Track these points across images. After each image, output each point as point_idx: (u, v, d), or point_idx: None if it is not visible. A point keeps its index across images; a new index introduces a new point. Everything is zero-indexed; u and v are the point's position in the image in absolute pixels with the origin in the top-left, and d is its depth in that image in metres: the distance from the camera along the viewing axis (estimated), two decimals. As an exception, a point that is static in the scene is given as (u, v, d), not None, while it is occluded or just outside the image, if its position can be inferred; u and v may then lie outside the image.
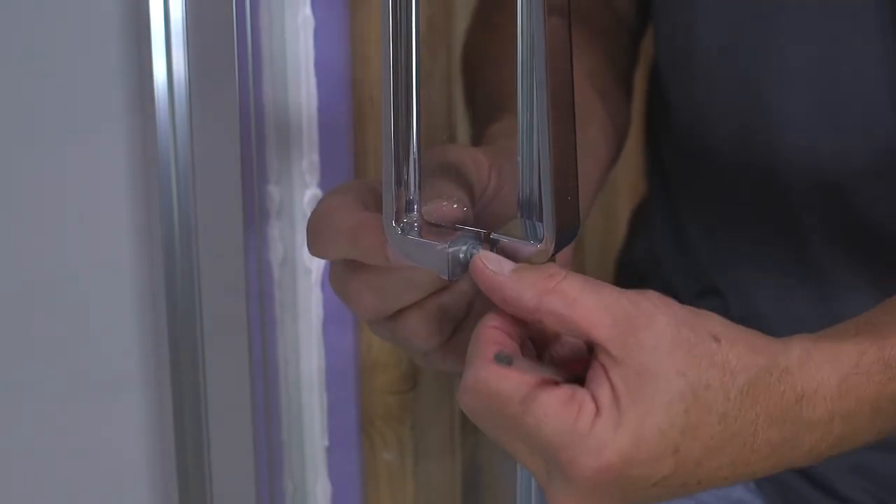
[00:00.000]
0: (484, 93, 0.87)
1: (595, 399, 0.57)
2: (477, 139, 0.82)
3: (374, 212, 0.64)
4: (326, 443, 0.96)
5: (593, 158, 0.79)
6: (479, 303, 0.64)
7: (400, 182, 0.62)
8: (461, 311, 0.65)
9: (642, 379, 0.56)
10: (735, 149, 0.87)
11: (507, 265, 0.60)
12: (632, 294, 0.58)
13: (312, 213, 0.65)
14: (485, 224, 0.63)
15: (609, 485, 0.57)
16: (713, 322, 0.58)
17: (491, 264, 0.59)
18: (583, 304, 0.57)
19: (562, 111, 0.59)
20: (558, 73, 0.59)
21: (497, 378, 0.57)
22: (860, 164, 0.81)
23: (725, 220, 0.82)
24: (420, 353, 0.67)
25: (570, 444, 0.56)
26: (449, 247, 0.61)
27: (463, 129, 1.08)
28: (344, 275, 0.65)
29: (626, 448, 0.56)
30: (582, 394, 0.57)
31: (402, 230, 0.62)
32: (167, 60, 0.76)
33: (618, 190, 1.44)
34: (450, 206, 0.63)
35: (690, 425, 0.57)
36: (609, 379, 0.57)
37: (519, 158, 0.61)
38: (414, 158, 0.62)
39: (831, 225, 0.84)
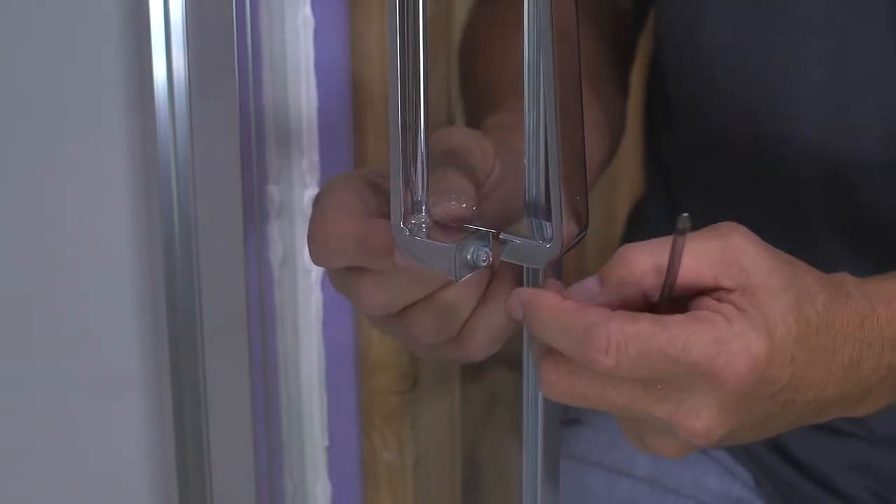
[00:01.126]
0: (479, 87, 0.87)
1: (722, 313, 0.59)
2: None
3: (374, 208, 0.64)
4: (326, 443, 0.96)
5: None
6: (493, 292, 0.64)
7: (408, 183, 0.62)
8: (471, 304, 0.65)
9: (756, 295, 0.59)
10: (741, 144, 0.86)
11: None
12: (709, 231, 0.61)
13: (313, 222, 0.65)
14: (489, 211, 0.64)
15: (749, 392, 0.59)
16: (779, 250, 0.62)
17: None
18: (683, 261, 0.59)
19: (570, 112, 0.59)
20: (566, 72, 0.59)
21: (634, 324, 0.58)
22: (870, 157, 0.81)
23: (726, 217, 0.81)
24: (423, 346, 0.67)
25: (719, 352, 0.58)
26: (456, 248, 0.61)
27: (463, 128, 1.08)
28: (347, 273, 0.65)
29: (766, 346, 0.59)
30: (706, 313, 0.59)
31: (411, 231, 0.62)
32: (167, 60, 0.76)
33: (617, 188, 1.45)
34: (458, 205, 0.63)
35: (801, 334, 0.60)
36: (729, 300, 0.59)
37: (525, 159, 0.61)
38: (421, 160, 0.62)
39: (838, 219, 0.84)
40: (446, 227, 0.63)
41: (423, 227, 0.63)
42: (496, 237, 0.62)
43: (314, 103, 0.89)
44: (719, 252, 0.60)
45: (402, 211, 0.62)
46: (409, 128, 0.62)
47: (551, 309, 0.60)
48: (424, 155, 0.63)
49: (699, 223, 0.58)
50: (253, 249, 0.90)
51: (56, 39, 0.79)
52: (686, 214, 0.58)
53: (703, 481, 0.97)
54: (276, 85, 0.88)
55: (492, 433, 1.34)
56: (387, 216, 0.63)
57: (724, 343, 0.58)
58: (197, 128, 0.77)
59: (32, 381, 0.83)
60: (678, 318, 0.58)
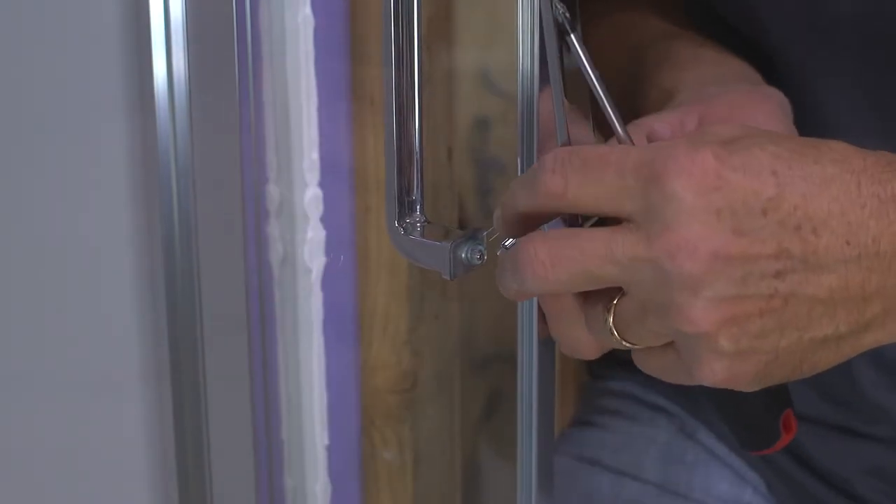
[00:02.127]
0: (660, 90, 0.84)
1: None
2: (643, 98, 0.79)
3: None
4: (326, 442, 0.96)
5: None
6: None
7: (402, 182, 0.62)
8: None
9: (721, 137, 0.58)
10: None
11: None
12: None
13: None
14: None
15: (715, 195, 0.55)
16: None
17: None
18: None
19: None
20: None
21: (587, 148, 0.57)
22: None
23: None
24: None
25: (657, 151, 0.56)
26: (451, 247, 0.61)
27: (463, 129, 1.08)
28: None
29: (718, 149, 0.56)
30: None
31: (405, 231, 0.62)
32: (167, 60, 0.76)
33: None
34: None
35: (783, 156, 0.56)
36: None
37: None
38: (416, 159, 0.63)
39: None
40: (441, 226, 0.63)
41: (417, 227, 0.63)
42: (490, 236, 0.62)
43: (314, 103, 0.89)
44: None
45: (397, 210, 0.62)
46: (404, 129, 0.62)
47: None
48: (419, 155, 0.63)
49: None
50: (253, 249, 0.90)
51: (56, 39, 0.79)
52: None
53: (712, 486, 0.97)
54: (276, 85, 0.88)
55: (492, 433, 1.34)
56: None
57: (665, 146, 0.56)
58: (197, 128, 0.77)
59: (32, 380, 0.83)
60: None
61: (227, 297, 0.86)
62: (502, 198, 0.59)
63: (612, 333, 0.59)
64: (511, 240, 0.60)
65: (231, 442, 0.87)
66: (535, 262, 0.57)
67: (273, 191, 0.90)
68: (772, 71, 0.79)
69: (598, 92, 0.59)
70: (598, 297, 0.60)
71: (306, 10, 0.87)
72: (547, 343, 0.64)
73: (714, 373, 0.58)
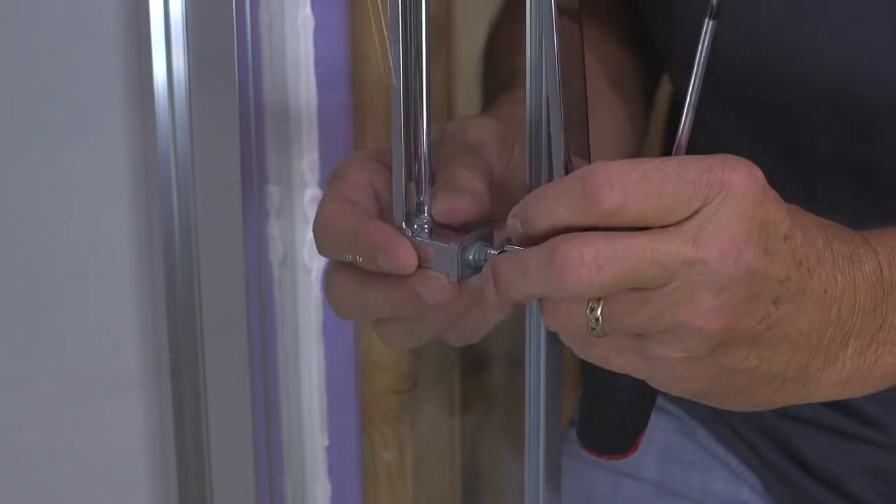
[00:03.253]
0: (497, 75, 0.87)
1: None
2: (484, 109, 0.81)
3: (384, 194, 0.64)
4: (326, 442, 0.96)
5: (604, 147, 0.80)
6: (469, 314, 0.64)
7: (410, 184, 0.62)
8: (441, 324, 0.65)
9: None
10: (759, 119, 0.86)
11: None
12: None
13: (319, 210, 0.65)
14: (502, 199, 0.63)
15: (761, 209, 0.57)
16: None
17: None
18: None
19: (573, 100, 0.60)
20: (570, 75, 0.59)
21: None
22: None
23: None
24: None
25: (713, 164, 0.57)
26: (459, 248, 0.61)
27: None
28: (336, 275, 0.65)
29: (761, 175, 0.58)
30: None
31: (413, 233, 0.62)
32: (167, 60, 0.76)
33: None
34: (466, 206, 0.63)
35: (791, 208, 0.60)
36: None
37: (527, 154, 0.62)
38: (424, 160, 0.63)
39: (853, 192, 0.83)
40: (448, 227, 0.63)
41: (425, 228, 0.63)
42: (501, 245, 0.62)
43: (314, 103, 0.89)
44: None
45: (405, 212, 0.62)
46: (412, 129, 0.62)
47: (540, 190, 0.58)
48: (427, 156, 0.63)
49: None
50: (253, 249, 0.90)
51: (56, 39, 0.79)
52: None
53: (710, 485, 0.97)
54: (276, 85, 0.88)
55: (492, 433, 1.34)
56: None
57: (719, 157, 0.57)
58: (197, 128, 0.77)
59: (32, 380, 0.83)
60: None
61: (227, 297, 0.86)
62: (526, 210, 0.58)
63: (596, 321, 0.59)
64: (510, 246, 0.60)
65: (231, 442, 0.87)
66: (580, 265, 0.56)
67: (273, 191, 0.90)
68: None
69: (694, 85, 0.59)
70: None
71: (306, 10, 0.87)
72: (555, 339, 0.64)
73: (678, 364, 0.59)
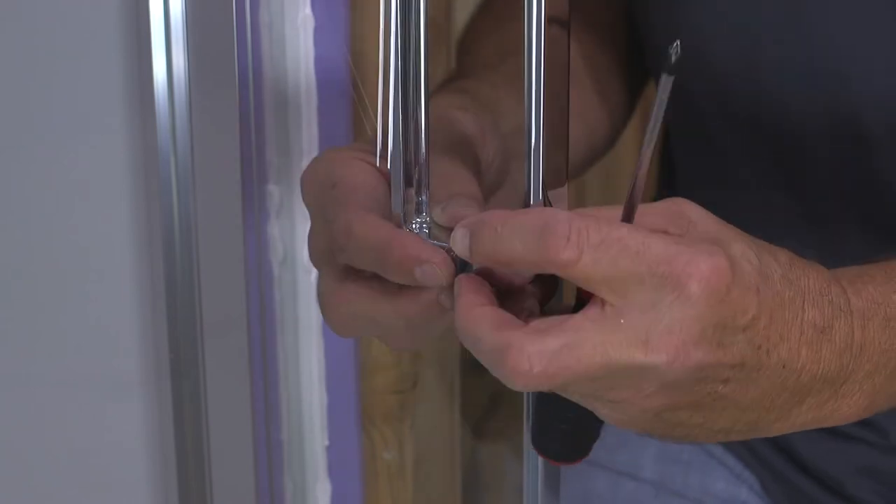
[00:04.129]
0: (469, 64, 0.86)
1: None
2: (452, 84, 0.80)
3: (384, 198, 0.64)
4: (326, 442, 0.96)
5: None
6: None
7: (409, 186, 0.62)
8: (447, 324, 0.65)
9: (712, 238, 0.58)
10: (743, 128, 0.86)
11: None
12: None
13: (336, 221, 0.63)
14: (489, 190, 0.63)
15: (720, 303, 0.56)
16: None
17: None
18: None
19: (555, 104, 0.60)
20: (555, 65, 0.59)
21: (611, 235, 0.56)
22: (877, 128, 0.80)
23: (735, 206, 0.82)
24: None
25: (679, 252, 0.56)
26: (455, 232, 0.61)
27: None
28: (338, 292, 0.64)
29: (727, 259, 0.56)
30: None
31: (412, 232, 0.62)
32: (167, 60, 0.76)
33: (623, 188, 1.45)
34: (463, 208, 0.63)
35: (763, 272, 0.58)
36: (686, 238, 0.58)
37: (526, 160, 0.62)
38: (423, 161, 0.62)
39: (854, 211, 0.83)
40: (446, 227, 0.63)
41: (424, 228, 0.63)
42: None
43: (314, 103, 0.89)
44: (666, 206, 0.59)
45: (403, 213, 0.62)
46: (410, 127, 0.62)
47: (504, 215, 0.57)
48: (425, 157, 0.63)
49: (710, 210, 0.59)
50: (253, 249, 0.90)
51: (56, 39, 0.79)
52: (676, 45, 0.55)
53: (709, 485, 0.97)
54: (276, 85, 0.88)
55: (492, 433, 1.34)
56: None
57: (684, 247, 0.56)
58: (197, 128, 0.77)
59: (33, 381, 0.83)
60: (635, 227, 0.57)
61: (227, 297, 0.86)
62: (481, 230, 0.57)
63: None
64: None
65: (231, 442, 0.87)
66: (529, 375, 0.56)
67: (273, 191, 0.90)
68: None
69: (650, 140, 0.58)
70: None
71: (306, 10, 0.87)
72: None
73: (618, 421, 0.59)
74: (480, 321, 0.57)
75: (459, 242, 0.58)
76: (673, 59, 0.55)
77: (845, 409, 0.63)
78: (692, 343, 0.56)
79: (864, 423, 0.90)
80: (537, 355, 0.56)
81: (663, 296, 0.56)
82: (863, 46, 0.78)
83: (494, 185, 0.68)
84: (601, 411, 0.60)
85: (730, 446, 0.97)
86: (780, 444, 0.94)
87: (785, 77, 0.81)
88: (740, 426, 0.61)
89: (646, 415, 0.59)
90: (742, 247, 0.58)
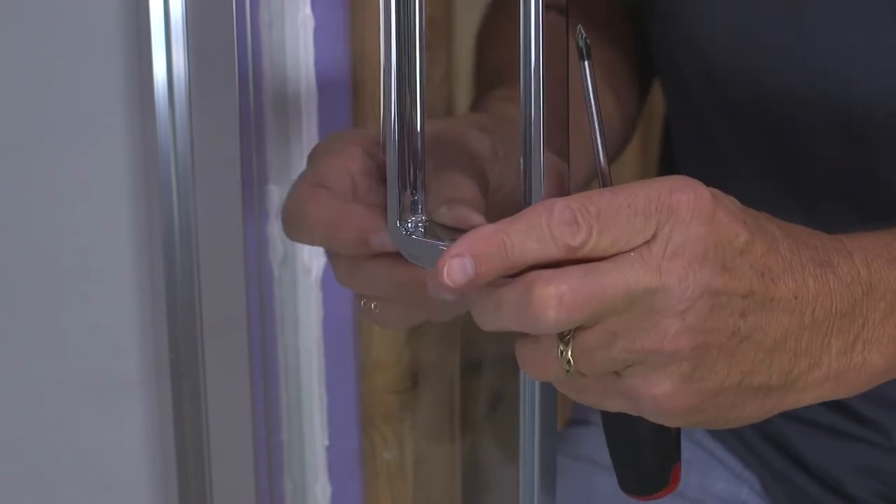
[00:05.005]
0: (488, 67, 0.87)
1: None
2: (476, 103, 0.82)
3: (363, 180, 0.65)
4: (326, 442, 0.96)
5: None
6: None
7: (405, 183, 0.62)
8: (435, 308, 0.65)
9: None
10: (747, 123, 0.86)
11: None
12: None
13: (294, 193, 0.66)
14: (494, 212, 0.64)
15: (712, 229, 0.58)
16: None
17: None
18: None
19: (555, 112, 0.60)
20: (553, 72, 0.59)
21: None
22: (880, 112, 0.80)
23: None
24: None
25: (660, 188, 0.58)
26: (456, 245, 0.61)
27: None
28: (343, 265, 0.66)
29: (706, 189, 0.59)
30: None
31: (407, 231, 0.62)
32: (167, 60, 0.76)
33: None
34: (471, 214, 0.63)
35: (748, 211, 0.60)
36: None
37: (521, 159, 0.62)
38: (419, 159, 0.62)
39: (854, 211, 0.83)
40: (443, 226, 0.63)
41: (419, 227, 0.63)
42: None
43: (314, 103, 0.89)
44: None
45: (399, 210, 0.62)
46: (406, 126, 0.62)
47: (503, 226, 0.58)
48: (421, 154, 0.63)
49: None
50: (253, 249, 0.90)
51: (56, 39, 0.79)
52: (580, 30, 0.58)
53: (709, 485, 0.97)
54: (276, 85, 0.88)
55: (492, 433, 1.34)
56: (371, 189, 0.63)
57: (664, 183, 0.58)
58: (197, 128, 0.77)
59: (33, 381, 0.83)
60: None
61: (227, 297, 0.86)
62: (480, 248, 0.58)
63: (569, 364, 0.60)
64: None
65: (231, 442, 0.87)
66: (559, 305, 0.57)
67: (273, 191, 0.90)
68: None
69: (595, 122, 0.60)
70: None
71: (306, 10, 0.87)
72: None
73: (660, 396, 0.60)
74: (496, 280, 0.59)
75: (458, 273, 0.58)
76: (581, 42, 0.58)
77: (875, 356, 0.63)
78: (697, 262, 0.58)
79: (866, 423, 0.90)
80: (564, 284, 0.57)
81: (661, 227, 0.58)
82: (863, 46, 0.78)
83: (502, 208, 0.69)
84: (641, 404, 0.60)
85: (730, 445, 0.97)
86: (781, 443, 0.94)
87: (785, 77, 0.81)
88: (776, 378, 0.61)
89: (680, 371, 0.59)
90: (717, 191, 0.60)
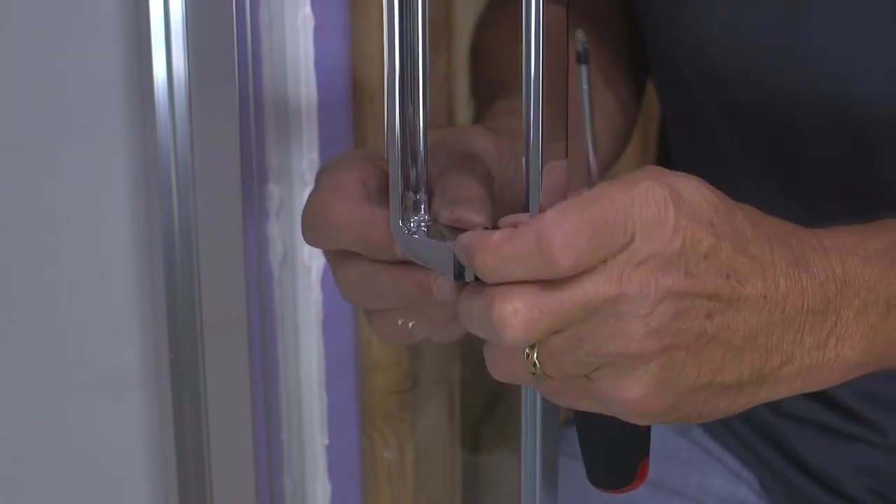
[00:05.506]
0: (488, 80, 0.87)
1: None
2: (479, 117, 0.82)
3: (374, 190, 0.65)
4: (326, 442, 0.97)
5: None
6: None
7: (407, 183, 0.62)
8: (438, 320, 0.65)
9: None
10: (746, 123, 0.86)
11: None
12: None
13: (312, 201, 0.65)
14: (502, 210, 0.64)
15: (676, 238, 0.59)
16: None
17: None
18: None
19: (554, 112, 0.60)
20: (553, 68, 0.59)
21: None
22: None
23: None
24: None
25: (624, 203, 0.58)
26: (454, 246, 0.61)
27: (463, 128, 1.08)
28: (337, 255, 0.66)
29: (668, 189, 0.59)
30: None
31: (409, 230, 0.62)
32: (167, 60, 0.76)
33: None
34: (473, 215, 0.64)
35: (717, 209, 0.60)
36: None
37: (524, 157, 0.62)
38: (421, 159, 0.63)
39: (854, 211, 0.84)
40: (446, 226, 0.63)
41: (422, 226, 0.63)
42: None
43: (314, 102, 0.89)
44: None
45: (401, 210, 0.62)
46: (408, 126, 0.62)
47: (500, 240, 0.59)
48: (423, 154, 0.63)
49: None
50: (253, 249, 0.90)
51: (56, 39, 0.79)
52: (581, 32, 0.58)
53: (708, 484, 0.97)
54: (276, 85, 0.88)
55: (492, 433, 1.34)
56: (385, 200, 0.63)
57: (638, 194, 0.58)
58: (197, 128, 0.77)
59: (32, 380, 0.83)
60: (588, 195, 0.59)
61: (227, 297, 0.86)
62: (474, 257, 0.59)
63: (535, 367, 0.60)
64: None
65: (231, 442, 0.87)
66: (516, 321, 0.58)
67: (273, 191, 0.90)
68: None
69: (587, 126, 0.60)
70: None
71: (306, 10, 0.88)
72: None
73: (631, 400, 0.60)
74: (468, 291, 0.60)
75: (466, 261, 0.60)
76: (580, 47, 0.57)
77: (848, 351, 0.64)
78: (659, 271, 0.58)
79: (864, 423, 0.90)
80: (520, 301, 0.58)
81: (626, 242, 0.58)
82: (863, 46, 0.78)
83: (512, 205, 0.69)
84: (614, 407, 0.61)
85: (728, 444, 0.97)
86: (780, 443, 0.94)
87: (785, 77, 0.81)
88: (747, 375, 0.62)
89: (649, 375, 0.59)
90: (693, 183, 0.60)
